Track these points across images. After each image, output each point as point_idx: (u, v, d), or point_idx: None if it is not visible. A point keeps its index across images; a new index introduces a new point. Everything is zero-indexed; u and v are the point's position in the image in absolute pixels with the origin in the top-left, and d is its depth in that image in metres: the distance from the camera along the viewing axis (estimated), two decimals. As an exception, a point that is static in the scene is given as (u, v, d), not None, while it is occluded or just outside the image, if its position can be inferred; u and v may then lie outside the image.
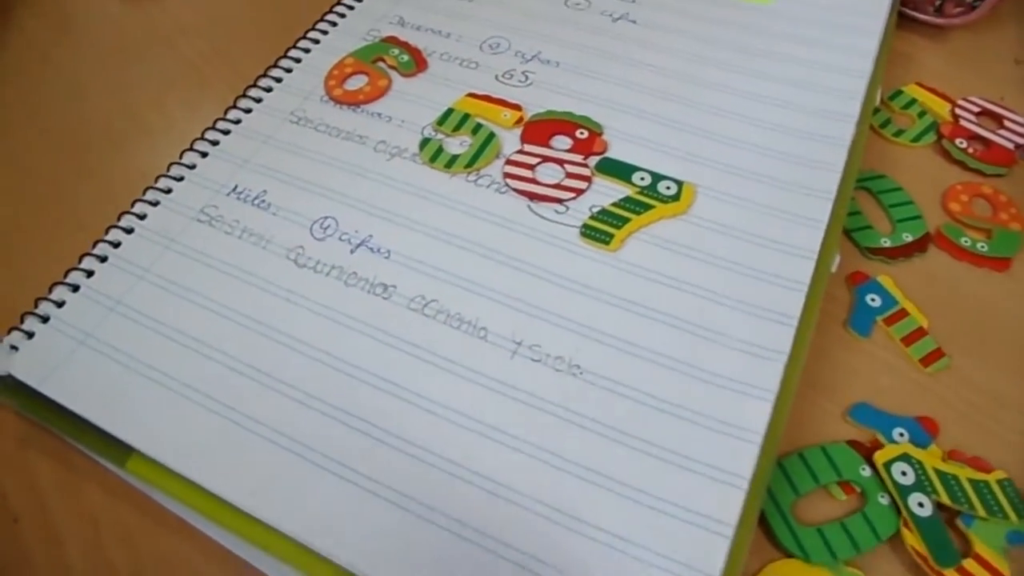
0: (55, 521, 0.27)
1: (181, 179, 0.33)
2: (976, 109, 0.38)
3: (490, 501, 0.24)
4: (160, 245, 0.31)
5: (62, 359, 0.28)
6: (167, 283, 0.30)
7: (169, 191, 0.33)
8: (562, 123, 0.34)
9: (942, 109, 0.39)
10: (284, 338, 0.28)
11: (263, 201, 0.32)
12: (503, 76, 0.36)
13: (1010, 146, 0.37)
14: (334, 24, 0.39)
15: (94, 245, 0.31)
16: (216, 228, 0.31)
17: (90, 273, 0.30)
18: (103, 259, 0.31)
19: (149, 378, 0.27)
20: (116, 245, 0.31)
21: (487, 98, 0.35)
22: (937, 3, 0.41)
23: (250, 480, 0.25)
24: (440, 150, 0.33)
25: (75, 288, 0.30)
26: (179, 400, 0.27)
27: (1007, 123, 0.38)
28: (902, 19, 0.42)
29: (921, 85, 0.40)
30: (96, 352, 0.28)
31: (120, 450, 0.27)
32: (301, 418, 0.26)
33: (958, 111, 0.38)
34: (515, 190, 0.31)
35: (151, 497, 0.27)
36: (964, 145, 0.37)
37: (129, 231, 0.31)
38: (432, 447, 0.25)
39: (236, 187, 0.33)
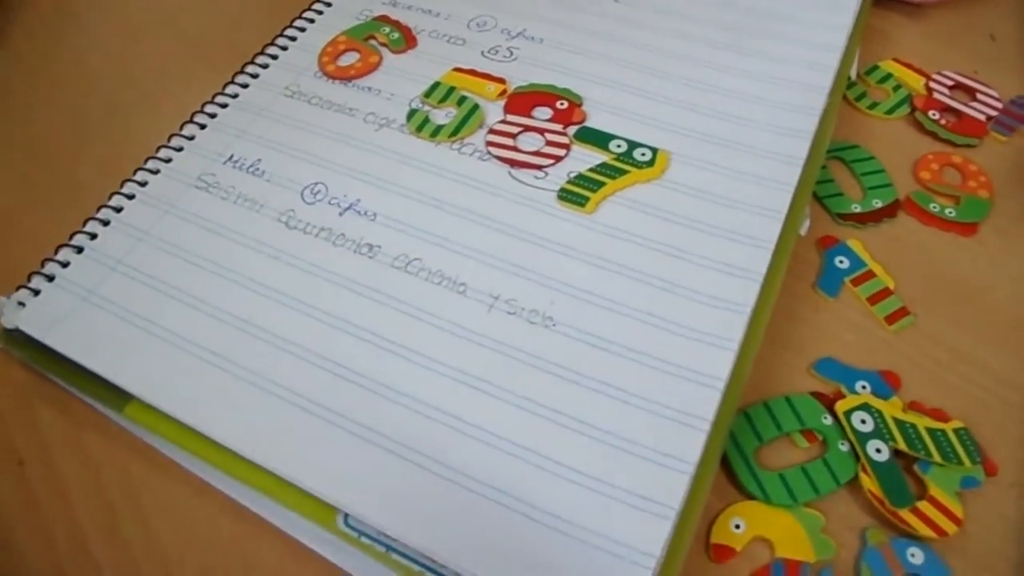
0: (58, 465, 0.28)
1: (180, 149, 0.35)
2: (950, 83, 0.39)
3: (463, 440, 0.25)
4: (160, 210, 0.33)
5: (65, 314, 0.29)
6: (166, 245, 0.31)
7: (169, 160, 0.34)
8: (544, 95, 0.35)
9: (917, 83, 0.40)
10: (274, 294, 0.29)
11: (257, 169, 0.34)
12: (489, 52, 0.37)
13: (981, 118, 0.38)
14: (328, 4, 0.41)
15: (98, 210, 0.33)
16: (213, 194, 0.33)
17: (93, 236, 0.32)
18: (106, 223, 0.32)
19: (146, 331, 0.29)
20: (118, 210, 0.33)
21: (473, 72, 0.36)
22: (914, -19, 0.42)
23: (239, 423, 0.26)
24: (426, 120, 0.34)
25: (79, 250, 0.31)
26: (174, 351, 0.28)
27: (979, 96, 0.39)
28: (880, -2, 0.43)
29: (897, 60, 0.41)
30: (97, 307, 0.30)
31: (119, 397, 0.28)
32: (288, 365, 0.27)
33: (932, 84, 0.39)
34: (497, 157, 0.33)
35: (147, 442, 0.29)
36: (936, 117, 0.38)
37: (131, 197, 0.33)
38: (409, 391, 0.27)
39: (232, 156, 0.34)
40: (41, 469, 0.28)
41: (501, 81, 0.36)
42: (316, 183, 0.33)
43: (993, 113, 0.38)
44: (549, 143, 0.33)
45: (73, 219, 0.32)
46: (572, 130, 0.34)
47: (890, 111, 0.39)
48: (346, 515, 0.25)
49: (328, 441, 0.26)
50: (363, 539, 0.25)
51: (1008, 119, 0.38)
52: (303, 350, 0.28)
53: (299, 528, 0.26)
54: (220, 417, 0.27)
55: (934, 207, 0.35)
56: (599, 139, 0.33)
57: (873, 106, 0.39)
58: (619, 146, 0.33)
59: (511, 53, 0.37)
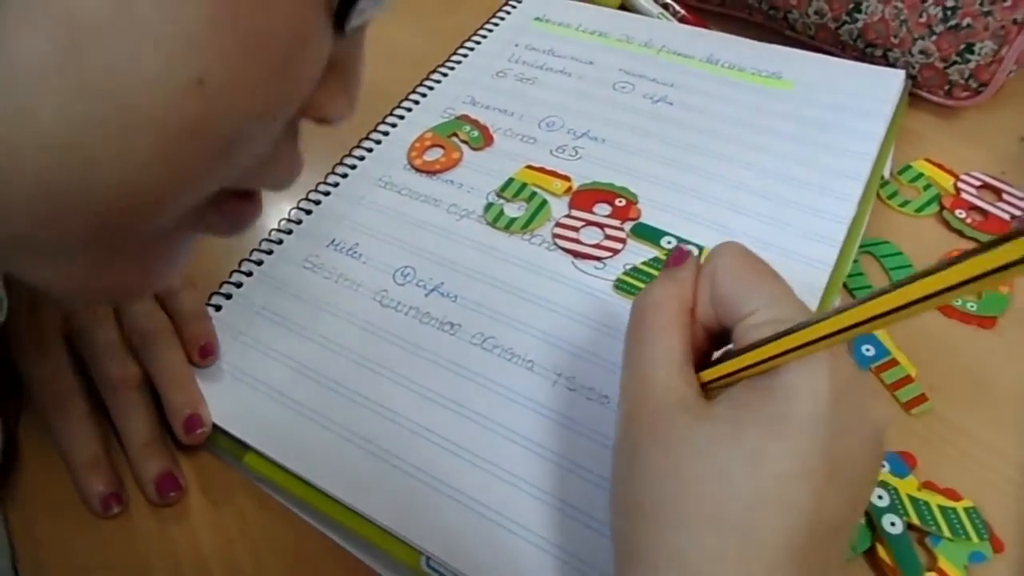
0: (188, 504, 0.34)
1: (290, 232, 0.41)
2: (977, 183, 0.43)
3: (525, 499, 0.30)
4: (273, 287, 0.38)
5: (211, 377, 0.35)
6: (278, 317, 0.37)
7: (280, 242, 0.40)
8: (604, 193, 0.40)
9: (946, 182, 0.43)
10: (368, 363, 0.35)
11: (355, 252, 0.39)
12: (556, 151, 0.43)
13: (1006, 217, 0.42)
14: (417, 102, 0.47)
15: (220, 285, 0.39)
16: (318, 274, 0.39)
17: (218, 308, 0.38)
18: (228, 296, 0.38)
19: (260, 391, 0.34)
20: (238, 286, 0.39)
21: (542, 170, 0.42)
22: (946, 87, 0.46)
23: (342, 475, 0.32)
24: (501, 213, 0.40)
25: (206, 319, 0.37)
26: (283, 409, 0.34)
27: (1005, 196, 0.43)
28: (914, 99, 0.47)
29: (929, 161, 0.45)
30: (221, 370, 0.35)
31: (238, 447, 0.34)
32: (375, 425, 0.33)
33: (960, 184, 0.43)
34: (562, 248, 0.38)
35: (262, 488, 0.34)
36: (963, 216, 0.42)
37: (248, 275, 0.39)
38: (484, 454, 0.31)
39: (334, 240, 0.40)
40: (176, 508, 0.34)
41: (567, 178, 0.41)
42: (406, 266, 0.38)
43: (1017, 213, 0.42)
44: (608, 237, 0.38)
45: (200, 294, 0.38)
46: (628, 226, 0.38)
47: (919, 209, 0.42)
48: (428, 557, 0.30)
49: (411, 492, 0.31)
50: (442, 580, 0.30)
51: (1031, 219, 0.41)
52: (390, 412, 0.33)
53: (387, 567, 0.31)
54: (323, 468, 0.32)
55: (956, 301, 0.38)
56: (652, 235, 0.38)
57: (904, 204, 0.43)
58: (669, 242, 0.37)
59: (576, 152, 0.43)
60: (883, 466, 0.33)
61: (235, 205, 0.22)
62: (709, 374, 0.26)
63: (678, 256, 0.29)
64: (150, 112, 0.16)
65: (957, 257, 0.18)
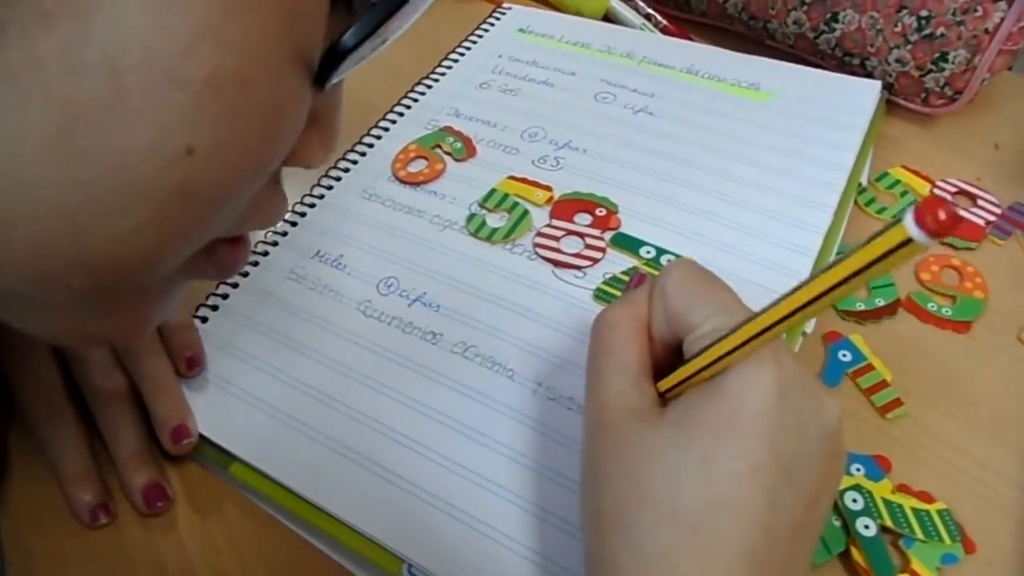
0: (174, 512, 0.34)
1: (276, 244, 0.41)
2: (953, 189, 0.44)
3: (508, 507, 0.31)
4: (258, 298, 0.39)
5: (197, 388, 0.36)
6: (264, 328, 0.38)
7: (266, 254, 0.41)
8: (585, 202, 0.41)
9: (923, 189, 0.44)
10: (352, 373, 0.35)
11: (340, 263, 0.40)
12: (538, 161, 0.43)
13: (980, 222, 0.42)
14: (401, 115, 0.48)
15: (207, 297, 0.39)
16: (303, 285, 0.39)
17: (204, 319, 0.38)
18: (215, 308, 0.39)
19: (244, 401, 0.35)
20: (225, 297, 0.39)
21: (524, 180, 0.42)
22: (923, 95, 0.47)
23: (323, 483, 0.32)
24: (483, 223, 0.40)
25: (193, 331, 0.38)
26: (268, 418, 0.34)
27: (980, 202, 0.43)
28: (892, 106, 0.48)
29: (906, 168, 0.45)
30: (206, 381, 0.36)
31: (224, 457, 0.34)
32: (359, 434, 0.33)
33: (936, 190, 0.44)
34: (543, 258, 0.38)
35: (247, 496, 0.34)
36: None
37: (235, 286, 0.40)
38: (464, 462, 0.32)
39: (319, 251, 0.41)
40: (163, 518, 0.34)
41: (548, 189, 0.42)
42: (390, 277, 0.39)
43: (992, 218, 0.42)
44: (588, 247, 0.39)
45: (187, 305, 0.39)
46: (608, 235, 0.39)
47: (896, 215, 0.43)
48: (410, 565, 0.30)
49: (394, 500, 0.31)
50: (424, 586, 0.30)
51: (1005, 224, 0.42)
52: (374, 422, 0.34)
53: (372, 574, 0.32)
54: (308, 478, 0.32)
55: (932, 306, 0.39)
56: (631, 245, 0.38)
57: (881, 211, 0.43)
58: (648, 252, 0.38)
59: (558, 163, 0.43)
60: (859, 469, 0.33)
61: (225, 251, 0.23)
62: (664, 384, 0.27)
63: (637, 280, 0.30)
64: (142, 180, 0.17)
65: (843, 256, 0.19)
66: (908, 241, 0.17)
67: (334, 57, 0.19)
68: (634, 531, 0.24)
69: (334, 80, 0.20)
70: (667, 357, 0.28)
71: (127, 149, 0.16)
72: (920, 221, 0.16)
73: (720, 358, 0.24)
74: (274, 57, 0.18)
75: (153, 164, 0.17)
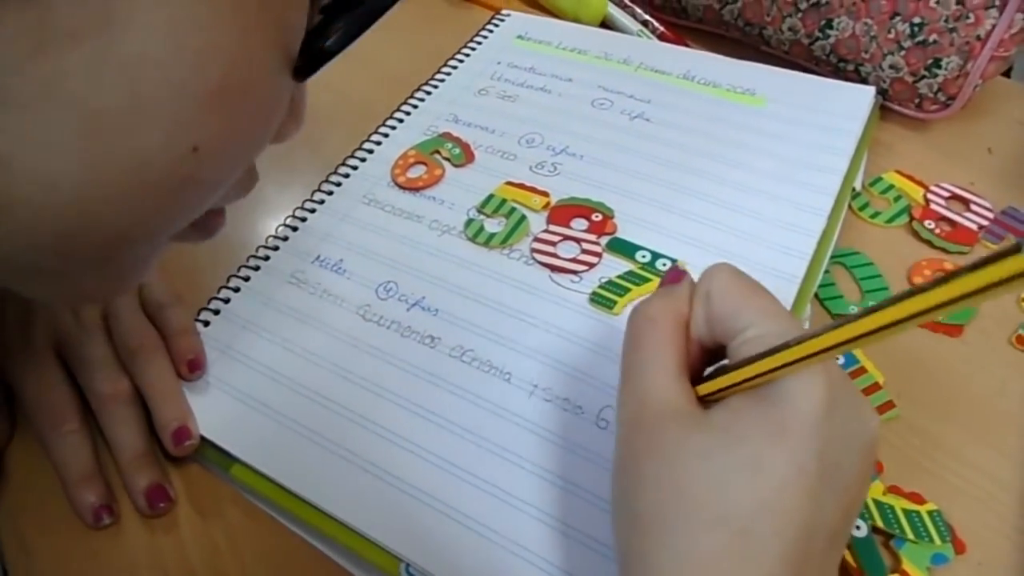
0: (176, 514, 0.35)
1: (276, 248, 0.42)
2: (946, 194, 0.44)
3: (500, 507, 0.31)
4: (259, 302, 0.39)
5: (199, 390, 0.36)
6: (265, 332, 0.38)
7: (267, 258, 0.41)
8: (581, 208, 0.41)
9: (916, 194, 0.45)
10: (352, 376, 0.36)
11: (340, 268, 0.40)
12: (536, 167, 0.44)
13: (973, 227, 0.43)
14: (401, 121, 0.48)
15: (209, 301, 0.40)
16: (303, 289, 0.40)
17: (206, 323, 0.39)
18: (216, 312, 0.39)
19: (245, 404, 0.35)
20: (226, 301, 0.40)
21: (522, 186, 0.43)
22: (917, 100, 0.47)
23: (322, 483, 0.33)
24: (481, 229, 0.41)
25: (195, 334, 0.38)
26: (269, 422, 0.35)
27: (973, 207, 0.44)
28: (886, 111, 0.49)
29: (900, 172, 0.46)
30: (207, 384, 0.36)
31: (225, 459, 0.35)
32: (358, 436, 0.34)
33: (930, 196, 0.44)
34: (540, 263, 0.39)
35: (247, 497, 0.35)
36: (932, 226, 0.43)
37: (236, 290, 0.40)
38: (459, 462, 0.32)
39: (319, 256, 0.41)
40: (165, 519, 0.35)
41: (545, 194, 0.42)
42: (388, 281, 0.39)
43: (984, 223, 0.43)
44: (584, 251, 0.39)
45: (188, 309, 0.39)
46: (604, 240, 0.40)
47: (890, 220, 0.44)
48: (408, 564, 0.31)
49: (391, 501, 0.32)
50: (421, 586, 0.31)
51: (998, 228, 0.43)
52: (372, 423, 0.34)
53: (367, 574, 0.32)
54: (308, 479, 0.33)
55: (924, 310, 0.39)
56: (627, 249, 0.39)
57: (875, 215, 0.44)
58: (644, 256, 0.39)
59: (555, 168, 0.44)
60: (850, 471, 0.34)
61: (207, 220, 0.26)
62: (705, 388, 0.26)
63: (674, 275, 0.30)
64: (152, 175, 0.19)
65: (943, 277, 0.18)
66: None
67: (318, 59, 0.22)
68: (675, 533, 0.24)
69: (313, 76, 0.23)
70: (701, 358, 0.28)
71: (141, 151, 0.19)
72: None
73: (771, 370, 0.24)
74: (270, 66, 0.21)
75: (163, 161, 0.19)
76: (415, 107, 0.49)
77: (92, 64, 0.17)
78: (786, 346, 0.23)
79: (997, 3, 0.42)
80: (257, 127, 0.22)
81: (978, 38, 0.43)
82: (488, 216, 0.42)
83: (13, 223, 0.19)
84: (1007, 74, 0.83)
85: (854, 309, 0.40)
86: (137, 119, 0.18)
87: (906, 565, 0.31)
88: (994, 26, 0.43)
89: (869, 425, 0.25)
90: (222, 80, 0.19)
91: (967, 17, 0.43)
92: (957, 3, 0.43)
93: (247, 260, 0.41)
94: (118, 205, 0.20)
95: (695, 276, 0.29)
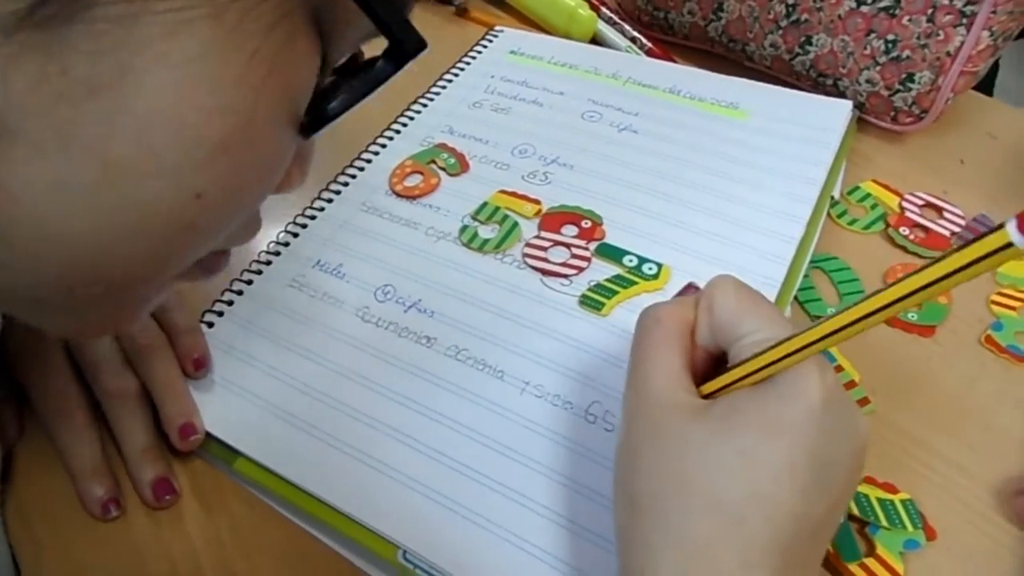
0: (180, 508, 0.36)
1: (278, 254, 0.43)
2: (921, 202, 0.46)
3: (490, 495, 0.33)
4: (262, 304, 0.41)
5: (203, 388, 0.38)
6: (267, 332, 0.40)
7: (269, 263, 0.43)
8: (571, 215, 0.43)
9: (892, 202, 0.47)
10: (350, 374, 0.37)
11: (339, 272, 0.42)
12: (528, 176, 0.46)
13: (946, 233, 0.45)
14: (398, 132, 0.50)
15: (212, 303, 0.41)
16: (304, 292, 0.41)
17: (211, 324, 0.40)
18: (220, 314, 0.41)
19: (249, 401, 0.37)
20: (229, 304, 0.41)
21: (514, 194, 0.45)
22: (892, 113, 0.49)
23: (324, 475, 0.34)
24: (475, 235, 0.43)
25: (199, 335, 0.40)
26: (271, 417, 0.36)
27: (946, 214, 0.46)
28: (863, 124, 0.51)
29: (876, 182, 0.48)
30: (212, 382, 0.38)
31: (229, 453, 0.36)
32: (356, 430, 0.35)
33: (905, 204, 0.46)
34: (531, 267, 0.41)
35: (251, 490, 0.36)
36: (907, 233, 0.45)
37: (239, 293, 0.42)
38: (454, 455, 0.34)
39: (320, 261, 0.43)
40: (171, 511, 0.36)
41: (537, 202, 0.44)
42: (386, 285, 0.41)
43: (957, 229, 0.45)
44: (574, 256, 0.41)
45: (193, 311, 0.41)
46: (593, 245, 0.41)
47: (867, 227, 0.46)
48: (404, 551, 0.32)
49: (388, 490, 0.33)
50: (417, 571, 0.32)
51: (969, 235, 0.44)
52: (370, 418, 0.36)
53: (370, 562, 0.33)
54: (308, 471, 0.34)
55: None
56: (615, 254, 0.41)
57: (852, 222, 0.46)
58: (631, 261, 0.40)
59: (546, 177, 0.46)
60: (827, 463, 0.35)
61: (210, 259, 0.26)
62: (708, 387, 0.28)
63: (687, 291, 0.33)
64: (157, 220, 0.21)
65: (935, 258, 0.21)
66: (1008, 245, 0.18)
67: (322, 119, 0.23)
68: (671, 517, 0.25)
69: (320, 133, 0.24)
70: (706, 365, 0.29)
71: (147, 197, 0.20)
72: (1022, 227, 0.18)
73: (768, 364, 0.25)
74: (275, 122, 0.22)
75: (167, 207, 0.20)
76: (412, 119, 0.51)
77: (107, 115, 0.18)
78: (779, 343, 0.25)
79: (964, 21, 0.44)
80: (259, 179, 0.23)
81: (948, 54, 0.45)
82: (482, 223, 0.43)
83: (19, 257, 0.20)
84: (989, 91, 0.86)
85: (832, 311, 0.41)
86: (146, 167, 0.19)
87: (880, 551, 0.33)
88: (962, 43, 0.45)
89: (860, 430, 0.27)
90: (228, 135, 0.20)
91: (937, 34, 0.45)
92: (928, 21, 0.45)
93: (250, 265, 0.43)
94: (122, 247, 0.21)
95: (678, 280, 0.30)
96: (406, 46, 0.23)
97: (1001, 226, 0.19)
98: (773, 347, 0.25)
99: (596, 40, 0.59)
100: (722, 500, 0.25)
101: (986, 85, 0.88)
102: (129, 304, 0.25)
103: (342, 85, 0.24)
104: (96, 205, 0.20)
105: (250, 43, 0.19)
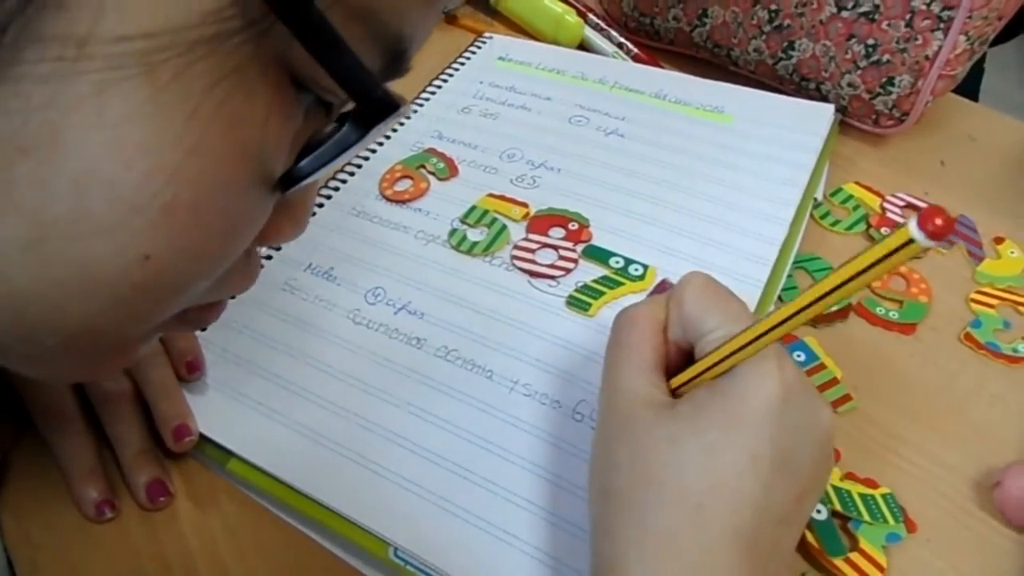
0: (176, 507, 0.37)
1: (270, 258, 0.44)
2: (902, 203, 0.47)
3: (480, 492, 0.33)
4: (254, 308, 0.42)
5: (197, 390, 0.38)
6: (259, 335, 0.40)
7: (261, 267, 0.43)
8: (559, 217, 0.44)
9: (874, 203, 0.48)
10: (341, 375, 0.38)
11: (330, 275, 0.43)
12: (516, 180, 0.47)
13: (927, 234, 0.45)
14: (388, 137, 0.51)
15: (206, 307, 0.42)
16: (296, 295, 0.42)
17: (203, 328, 0.41)
18: (213, 318, 0.41)
19: (241, 403, 0.37)
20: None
21: (503, 197, 0.45)
22: (873, 116, 0.50)
23: (317, 475, 0.35)
24: (464, 238, 0.43)
25: (192, 339, 0.40)
26: (263, 419, 0.37)
27: (926, 215, 0.46)
28: (845, 127, 0.52)
29: (859, 184, 0.49)
30: (205, 385, 0.38)
31: (222, 454, 0.37)
32: (347, 430, 0.36)
33: (886, 204, 0.47)
34: (519, 269, 0.41)
35: (243, 490, 0.37)
36: (888, 233, 0.45)
37: (232, 297, 0.42)
38: (444, 453, 0.35)
39: (311, 264, 0.43)
40: (165, 512, 0.37)
41: (525, 205, 0.45)
42: (377, 287, 0.42)
43: (937, 230, 0.46)
44: (562, 258, 0.42)
45: (188, 314, 0.41)
46: (580, 247, 0.42)
47: (849, 227, 0.46)
48: (395, 548, 0.33)
49: (379, 489, 0.34)
50: (408, 567, 0.32)
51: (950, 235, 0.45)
52: (361, 419, 0.36)
53: (362, 560, 0.34)
54: (300, 471, 0.35)
55: (880, 310, 0.42)
56: (602, 256, 0.41)
57: (835, 223, 0.47)
58: (617, 262, 0.41)
59: (534, 181, 0.46)
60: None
61: (195, 314, 0.26)
62: (677, 380, 0.29)
63: (661, 287, 0.34)
64: (104, 278, 0.20)
65: (858, 252, 0.22)
66: (910, 242, 0.20)
67: (293, 177, 0.22)
68: (640, 508, 0.26)
69: (299, 188, 0.22)
70: (679, 359, 0.30)
71: (91, 257, 0.19)
72: (922, 225, 0.19)
73: (730, 355, 0.27)
74: (230, 185, 0.20)
75: (112, 268, 0.19)
76: (401, 124, 0.51)
77: (39, 176, 0.18)
78: (735, 336, 0.26)
79: (942, 26, 0.45)
80: (222, 239, 0.21)
81: (926, 58, 0.46)
82: (471, 226, 0.44)
83: None
84: (975, 95, 0.87)
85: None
86: (84, 229, 0.19)
87: (863, 544, 0.34)
88: (940, 47, 0.46)
89: (822, 419, 0.28)
90: (172, 198, 0.19)
91: (916, 39, 0.46)
92: (906, 26, 0.46)
93: (242, 269, 0.44)
94: (74, 304, 0.20)
95: (667, 280, 0.31)
96: (374, 108, 0.21)
97: (903, 224, 0.20)
98: (730, 340, 0.27)
99: (583, 46, 0.60)
100: (685, 491, 0.26)
101: (972, 89, 0.89)
102: (100, 355, 0.24)
103: (321, 145, 0.22)
104: (36, 262, 0.19)
105: (188, 102, 0.18)
